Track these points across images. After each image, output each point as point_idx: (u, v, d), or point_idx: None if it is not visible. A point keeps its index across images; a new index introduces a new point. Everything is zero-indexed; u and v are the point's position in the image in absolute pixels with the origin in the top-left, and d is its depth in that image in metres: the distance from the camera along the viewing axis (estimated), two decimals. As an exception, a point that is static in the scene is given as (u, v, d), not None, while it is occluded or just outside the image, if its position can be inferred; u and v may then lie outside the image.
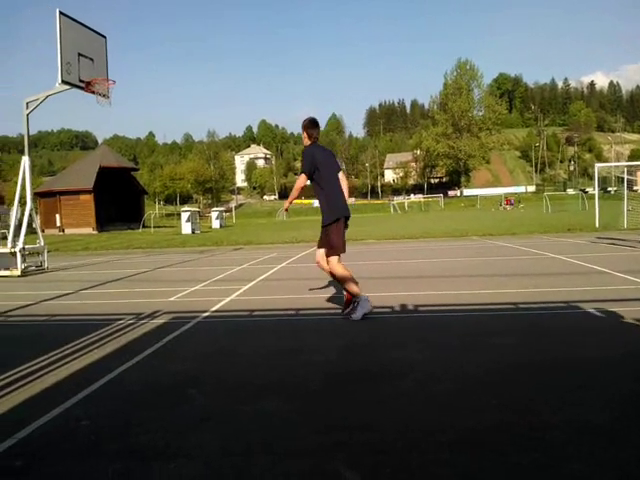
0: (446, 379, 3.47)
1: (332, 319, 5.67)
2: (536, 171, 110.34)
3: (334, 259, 5.55)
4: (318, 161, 5.38)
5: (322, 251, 5.67)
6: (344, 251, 5.68)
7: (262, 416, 2.98)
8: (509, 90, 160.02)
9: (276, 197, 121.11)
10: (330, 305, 6.39)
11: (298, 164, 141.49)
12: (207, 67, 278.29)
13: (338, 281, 5.73)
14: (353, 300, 5.50)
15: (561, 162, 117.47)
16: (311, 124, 5.62)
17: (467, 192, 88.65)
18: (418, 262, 10.89)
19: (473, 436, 2.60)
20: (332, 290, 7.41)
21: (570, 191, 70.37)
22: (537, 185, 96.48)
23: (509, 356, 3.94)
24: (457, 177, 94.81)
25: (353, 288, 5.48)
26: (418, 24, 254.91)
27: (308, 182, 5.67)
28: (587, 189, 63.39)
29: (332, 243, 5.55)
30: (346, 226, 5.67)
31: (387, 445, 2.54)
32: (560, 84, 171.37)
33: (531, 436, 2.56)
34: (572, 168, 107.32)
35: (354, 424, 2.82)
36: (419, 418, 2.86)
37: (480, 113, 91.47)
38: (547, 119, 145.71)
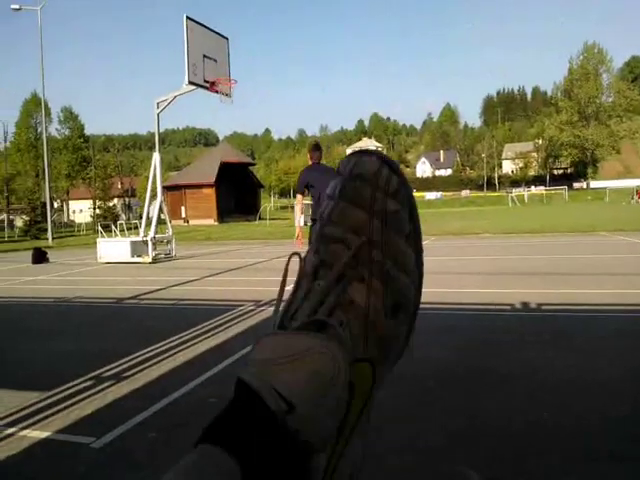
0: (565, 386, 3.27)
1: (445, 314, 5.57)
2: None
3: None
4: (309, 180, 6.08)
5: None
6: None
7: (374, 408, 3.01)
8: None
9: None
10: (443, 299, 6.27)
11: (410, 156, 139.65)
12: (319, 64, 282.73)
13: None
14: None
15: None
16: (311, 148, 6.43)
17: (594, 184, 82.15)
18: (539, 258, 10.31)
19: (601, 448, 2.43)
20: (449, 285, 7.26)
21: None
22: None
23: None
24: (583, 168, 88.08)
25: None
26: (540, 6, 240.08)
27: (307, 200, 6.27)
28: None
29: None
30: None
31: (502, 450, 2.46)
32: None
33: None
34: None
35: (468, 423, 2.76)
36: (543, 424, 2.73)
37: (609, 99, 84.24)
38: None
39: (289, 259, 0.42)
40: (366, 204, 0.40)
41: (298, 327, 0.37)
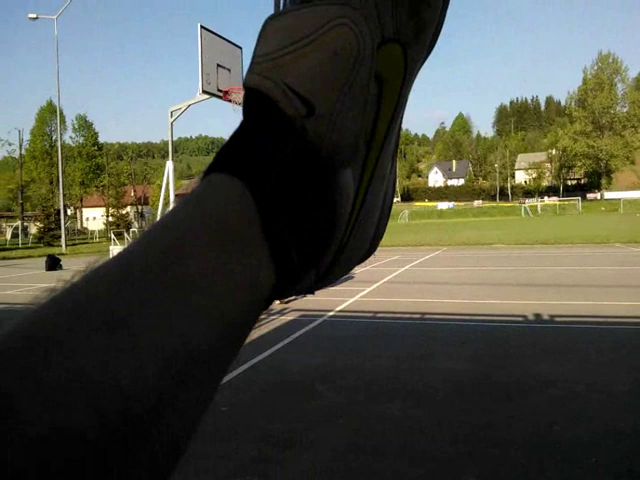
0: (574, 397, 3.23)
1: (457, 325, 5.53)
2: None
3: None
4: None
5: None
6: None
7: (388, 418, 2.99)
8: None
9: (398, 199, 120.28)
10: (455, 310, 6.23)
11: (422, 165, 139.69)
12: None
13: None
14: None
15: None
16: None
17: (608, 195, 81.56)
18: (552, 269, 10.23)
19: (606, 459, 2.39)
20: (458, 295, 7.21)
21: None
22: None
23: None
24: (597, 179, 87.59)
25: None
26: (555, 15, 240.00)
27: None
28: None
29: None
30: None
31: (514, 459, 2.43)
32: None
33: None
34: None
35: (479, 434, 2.73)
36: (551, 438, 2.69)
37: (624, 109, 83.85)
38: None
39: None
40: None
41: None
